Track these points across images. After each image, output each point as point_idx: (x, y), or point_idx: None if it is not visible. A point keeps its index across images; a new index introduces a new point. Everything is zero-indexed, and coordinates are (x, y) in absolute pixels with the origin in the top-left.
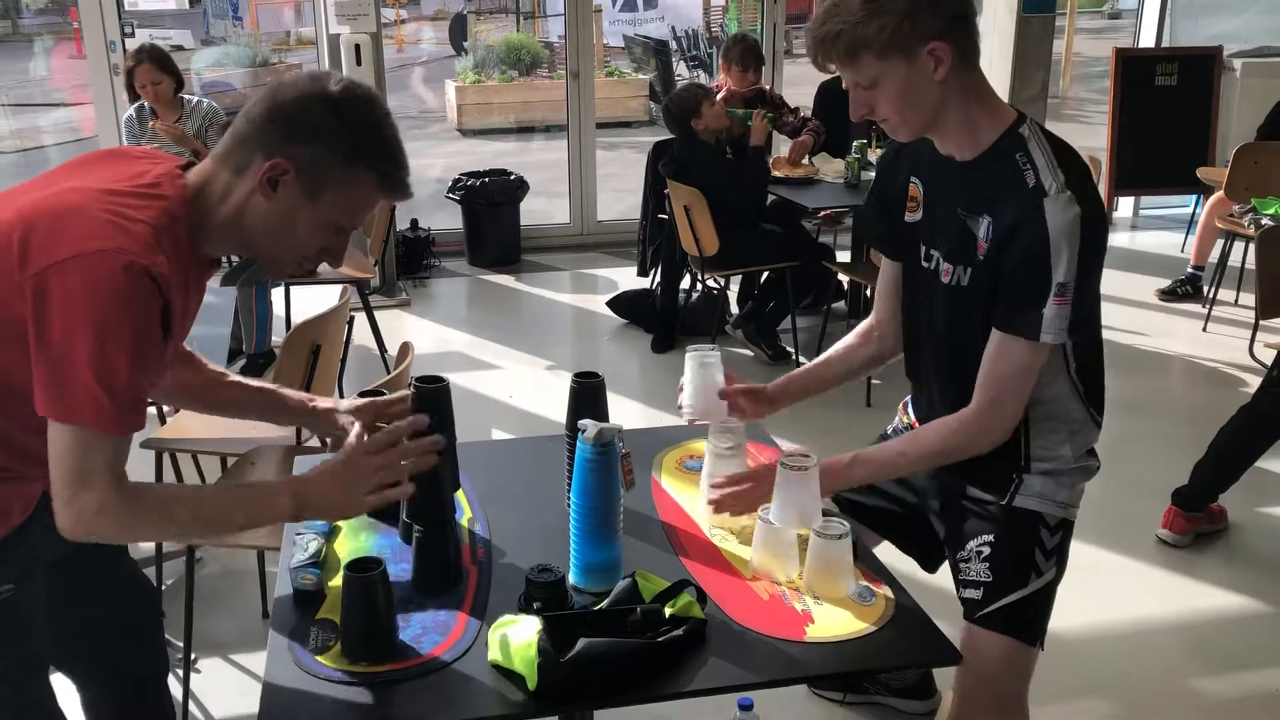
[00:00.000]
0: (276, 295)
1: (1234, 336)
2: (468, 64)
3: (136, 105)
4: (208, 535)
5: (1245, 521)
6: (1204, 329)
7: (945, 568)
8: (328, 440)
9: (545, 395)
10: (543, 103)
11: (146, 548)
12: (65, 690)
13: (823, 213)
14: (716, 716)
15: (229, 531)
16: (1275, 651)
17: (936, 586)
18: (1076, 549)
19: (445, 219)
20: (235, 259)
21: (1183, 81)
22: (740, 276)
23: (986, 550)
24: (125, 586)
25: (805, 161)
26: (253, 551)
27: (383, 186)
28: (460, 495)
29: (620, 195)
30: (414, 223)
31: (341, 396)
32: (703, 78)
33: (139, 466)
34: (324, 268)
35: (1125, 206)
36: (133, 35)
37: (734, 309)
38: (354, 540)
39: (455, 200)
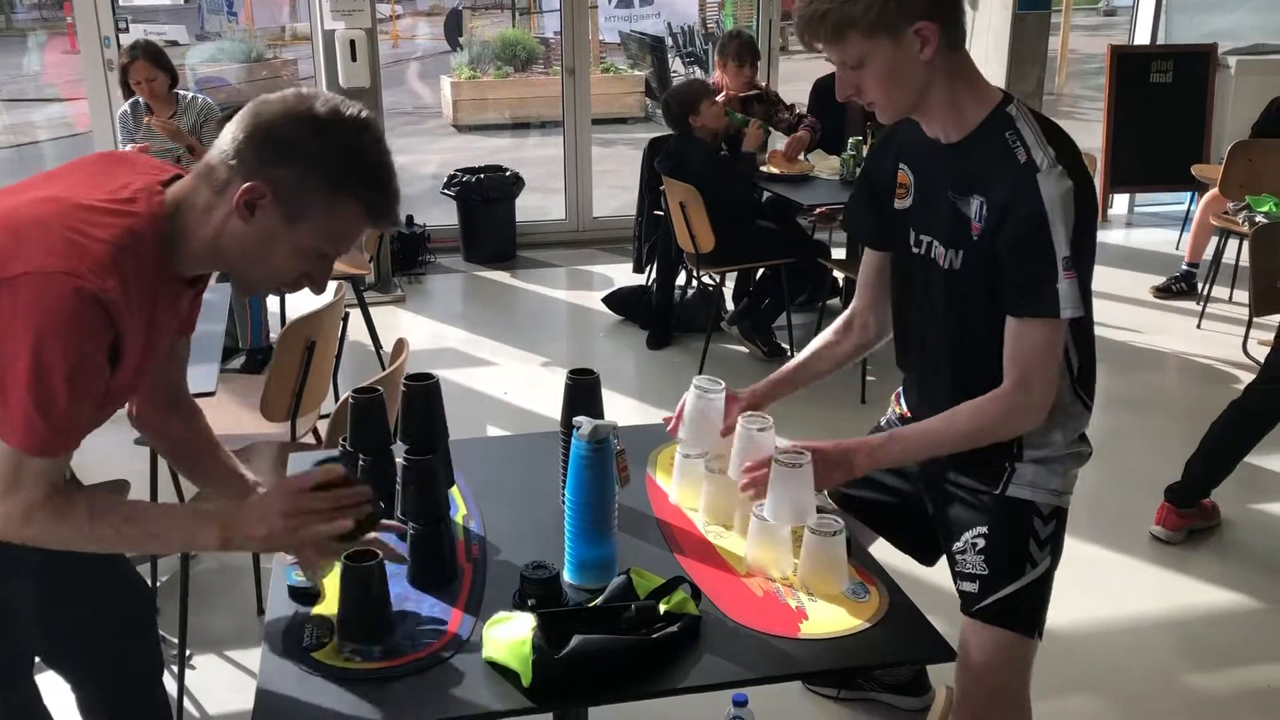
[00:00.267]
0: None
1: (1228, 333)
2: (463, 60)
3: (131, 101)
4: (137, 551)
5: (1238, 518)
6: (1198, 326)
7: (941, 563)
8: (322, 438)
9: (540, 392)
10: (538, 99)
11: None
12: (61, 690)
13: (818, 209)
14: (711, 713)
15: (159, 551)
16: (1267, 647)
17: (930, 583)
18: (1071, 545)
19: (440, 215)
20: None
21: (1178, 79)
22: (735, 273)
23: (981, 542)
24: (118, 584)
25: (801, 158)
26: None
27: (368, 215)
28: (455, 492)
29: (616, 192)
30: (409, 219)
31: (337, 394)
32: (698, 74)
33: (134, 463)
34: None
35: (1120, 203)
36: (127, 30)
37: (729, 305)
38: None
39: (450, 196)
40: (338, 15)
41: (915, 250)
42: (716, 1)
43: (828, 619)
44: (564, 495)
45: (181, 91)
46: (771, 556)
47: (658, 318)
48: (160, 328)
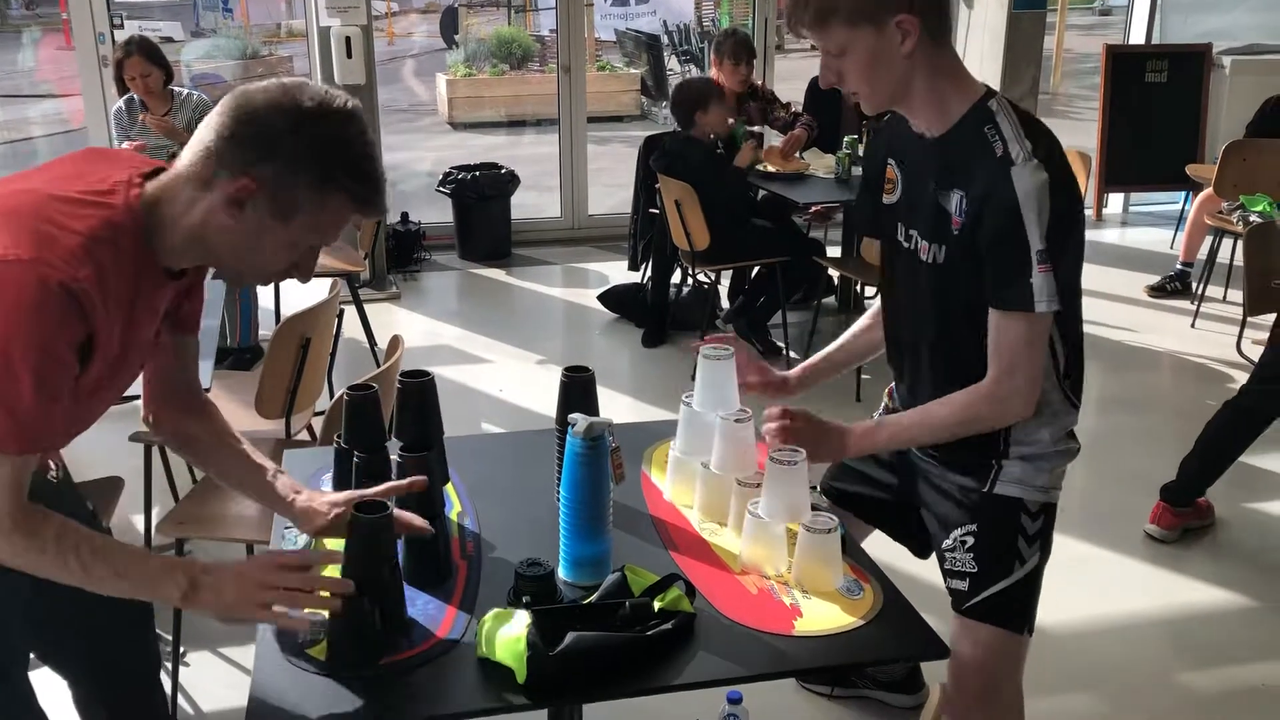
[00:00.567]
0: (265, 289)
1: (1222, 333)
2: (459, 57)
3: (126, 98)
4: (97, 589)
5: (1232, 517)
6: (1192, 325)
7: (934, 560)
8: (317, 435)
9: (535, 389)
10: (534, 96)
11: (135, 540)
12: (58, 687)
13: (813, 208)
14: (705, 710)
15: (121, 594)
16: (1260, 646)
17: (924, 580)
18: (1065, 543)
19: (436, 212)
20: None
21: (1173, 78)
22: (731, 271)
23: (970, 540)
24: None
25: (797, 156)
26: (242, 545)
27: (355, 205)
28: (450, 489)
29: (611, 190)
30: (404, 216)
31: (331, 391)
32: (694, 72)
33: (128, 460)
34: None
35: (1115, 203)
36: (122, 27)
37: (724, 304)
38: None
39: (446, 194)
40: (333, 12)
41: (905, 244)
42: (712, 0)
43: (822, 616)
44: (559, 492)
45: (177, 88)
46: (766, 554)
47: (653, 316)
48: (139, 323)
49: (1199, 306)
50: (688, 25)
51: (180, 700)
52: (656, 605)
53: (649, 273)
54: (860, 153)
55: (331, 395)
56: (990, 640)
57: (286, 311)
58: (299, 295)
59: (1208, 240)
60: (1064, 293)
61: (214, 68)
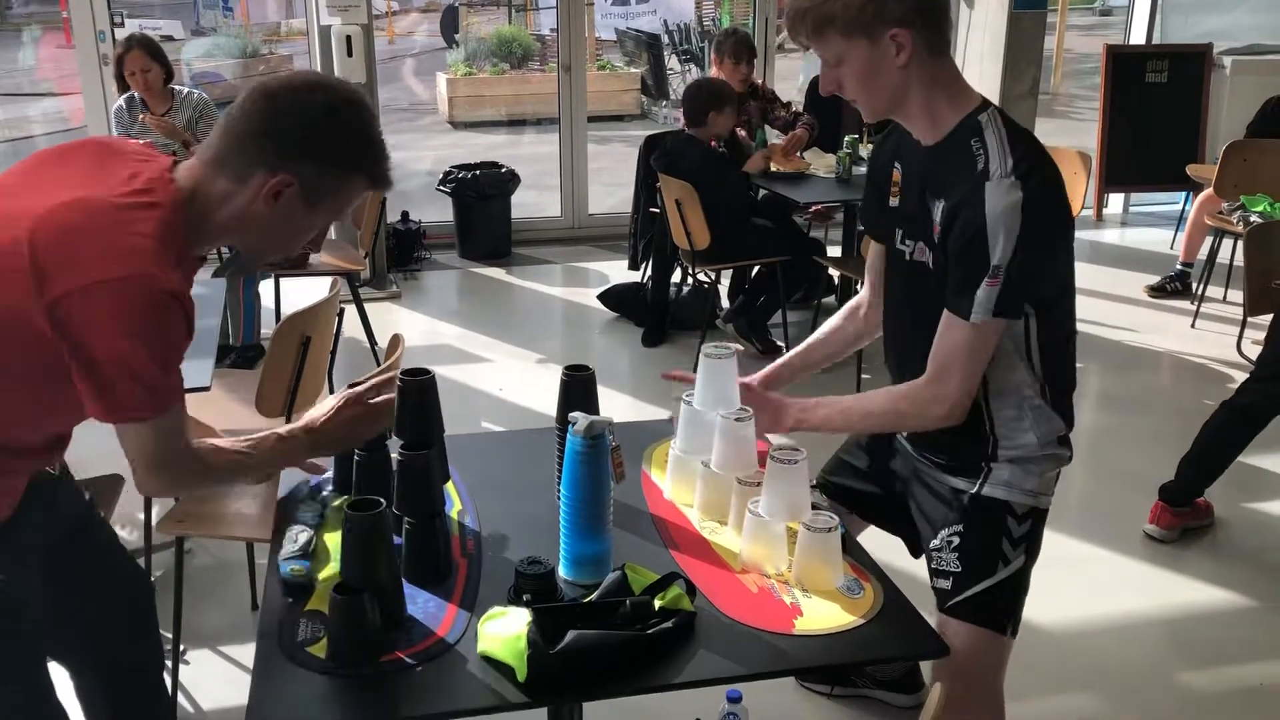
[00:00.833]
0: (266, 287)
1: (1222, 333)
2: (459, 56)
3: (126, 96)
4: (259, 479)
5: (1231, 517)
6: (1192, 325)
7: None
8: None
9: (535, 388)
10: (534, 96)
11: (134, 537)
12: (59, 681)
13: (814, 208)
14: (705, 709)
15: (271, 471)
16: (1259, 646)
17: (924, 580)
18: (1064, 543)
19: (436, 211)
20: (226, 251)
21: (1173, 79)
22: (731, 271)
23: (956, 540)
24: (120, 574)
25: (797, 155)
26: (241, 543)
27: (371, 185)
28: (450, 487)
29: (611, 189)
30: (405, 215)
31: (331, 388)
32: (695, 72)
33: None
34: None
35: (1115, 203)
36: (122, 25)
37: (725, 303)
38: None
39: (446, 193)
40: (334, 11)
41: (901, 247)
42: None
43: (823, 615)
44: (559, 491)
45: (177, 87)
46: (766, 552)
47: (653, 315)
48: (193, 311)
49: (1199, 307)
50: (688, 25)
51: (180, 698)
52: (657, 604)
53: (649, 272)
54: (861, 153)
55: (331, 393)
56: (972, 639)
57: (287, 311)
58: (299, 294)
59: (1208, 240)
60: (1001, 308)
61: (214, 66)
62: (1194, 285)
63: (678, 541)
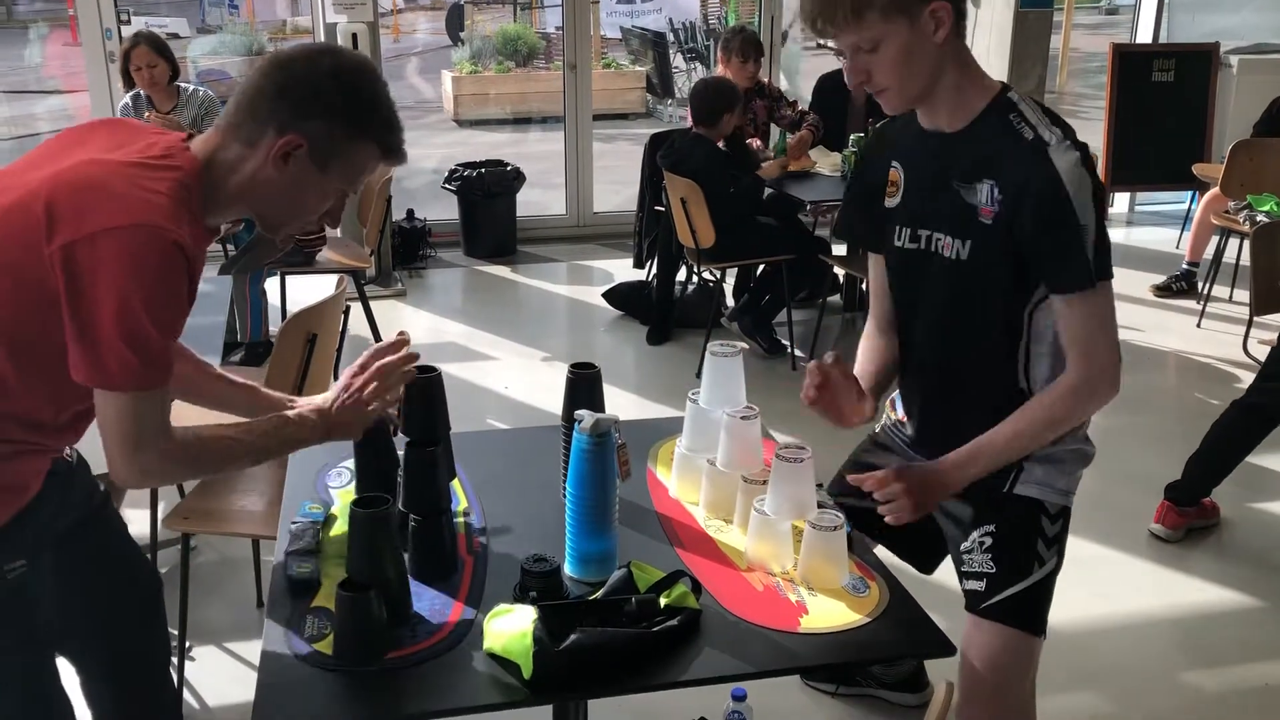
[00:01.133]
0: (272, 285)
1: (1228, 332)
2: (464, 54)
3: (132, 93)
4: (255, 465)
5: (1237, 517)
6: (1198, 325)
7: (941, 564)
8: None
9: (540, 386)
10: (539, 94)
11: (140, 532)
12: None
13: (819, 205)
14: (710, 707)
15: (272, 457)
16: (1265, 646)
17: (929, 579)
18: (1070, 542)
19: (441, 209)
20: (231, 248)
21: (1179, 78)
22: (736, 269)
23: (989, 541)
24: (128, 565)
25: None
26: (247, 540)
27: (384, 154)
28: (456, 485)
29: (617, 187)
30: (410, 213)
31: None
32: (700, 70)
33: None
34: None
35: (1121, 202)
36: (128, 23)
37: (730, 302)
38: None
39: (451, 191)
40: (339, 9)
41: (911, 246)
42: None
43: (828, 613)
44: (565, 489)
45: (183, 84)
46: (772, 551)
47: (658, 313)
48: (198, 278)
49: (1205, 306)
50: (693, 23)
51: (186, 694)
52: (662, 602)
53: (654, 270)
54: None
55: None
56: (1006, 641)
57: (292, 308)
58: (305, 292)
59: (1214, 240)
60: (1110, 266)
61: (220, 64)
62: (1200, 285)
63: (683, 539)
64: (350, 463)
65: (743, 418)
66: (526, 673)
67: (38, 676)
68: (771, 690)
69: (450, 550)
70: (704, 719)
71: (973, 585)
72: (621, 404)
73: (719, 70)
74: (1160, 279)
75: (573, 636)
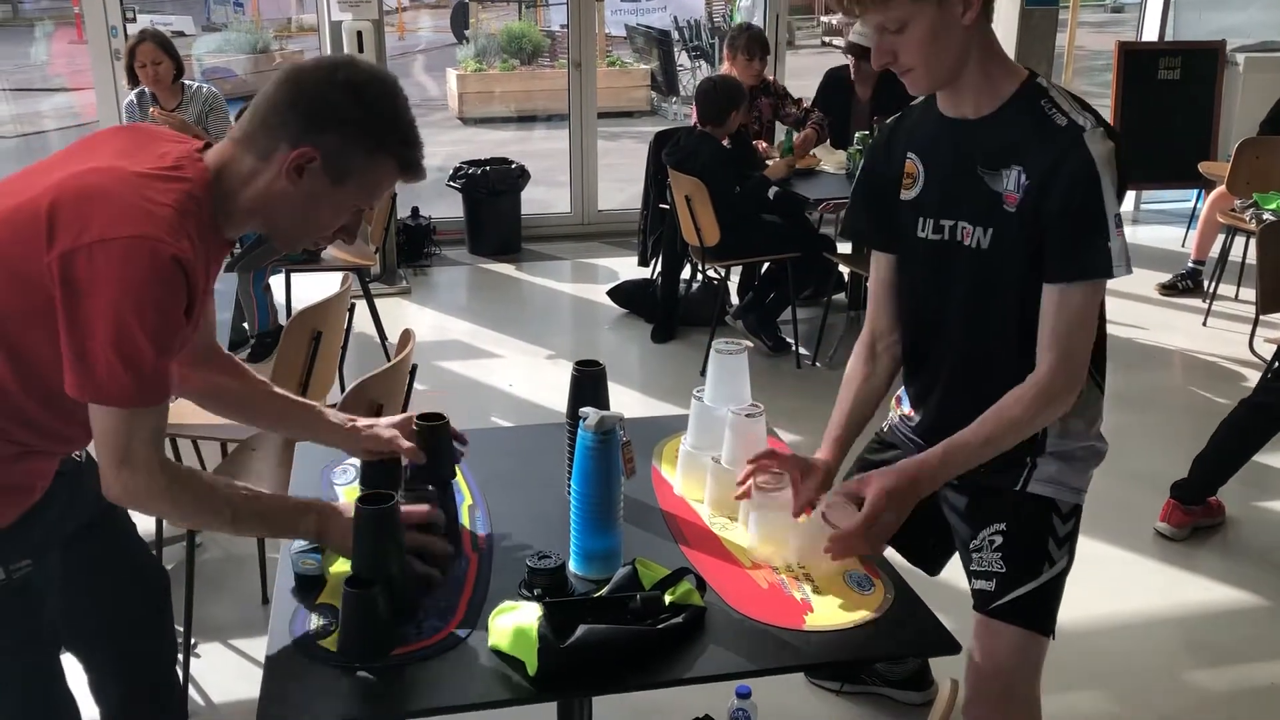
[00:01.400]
0: (277, 282)
1: (1234, 331)
2: (469, 52)
3: (137, 91)
4: (237, 533)
5: (1242, 516)
6: (1204, 324)
7: (949, 563)
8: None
9: (545, 384)
10: (544, 92)
11: (146, 529)
12: (72, 675)
13: (824, 204)
14: (714, 704)
15: (255, 534)
16: (1270, 645)
17: (935, 578)
18: None
19: (446, 207)
20: (236, 247)
21: (1185, 75)
22: (741, 267)
23: (999, 540)
24: (136, 563)
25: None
26: (253, 537)
27: (402, 169)
28: (461, 482)
29: (621, 185)
30: (415, 211)
31: (342, 385)
32: (705, 69)
33: None
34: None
35: (1127, 200)
36: (134, 20)
37: (734, 300)
38: None
39: (456, 189)
40: (345, 7)
41: (935, 237)
42: None
43: (832, 611)
44: (569, 486)
45: (187, 81)
46: (777, 549)
47: (663, 311)
48: (208, 291)
49: (1211, 305)
50: (698, 20)
51: (191, 691)
52: (667, 599)
53: (659, 268)
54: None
55: (343, 389)
56: (1014, 641)
57: (297, 306)
58: (310, 290)
59: (1220, 238)
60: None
61: (225, 62)
62: (1206, 283)
63: (688, 537)
64: (355, 460)
65: (747, 415)
66: (531, 669)
67: (42, 677)
68: (776, 688)
69: (453, 524)
70: (709, 716)
71: (982, 585)
72: (626, 401)
73: (724, 68)
74: (1166, 277)
75: (577, 633)
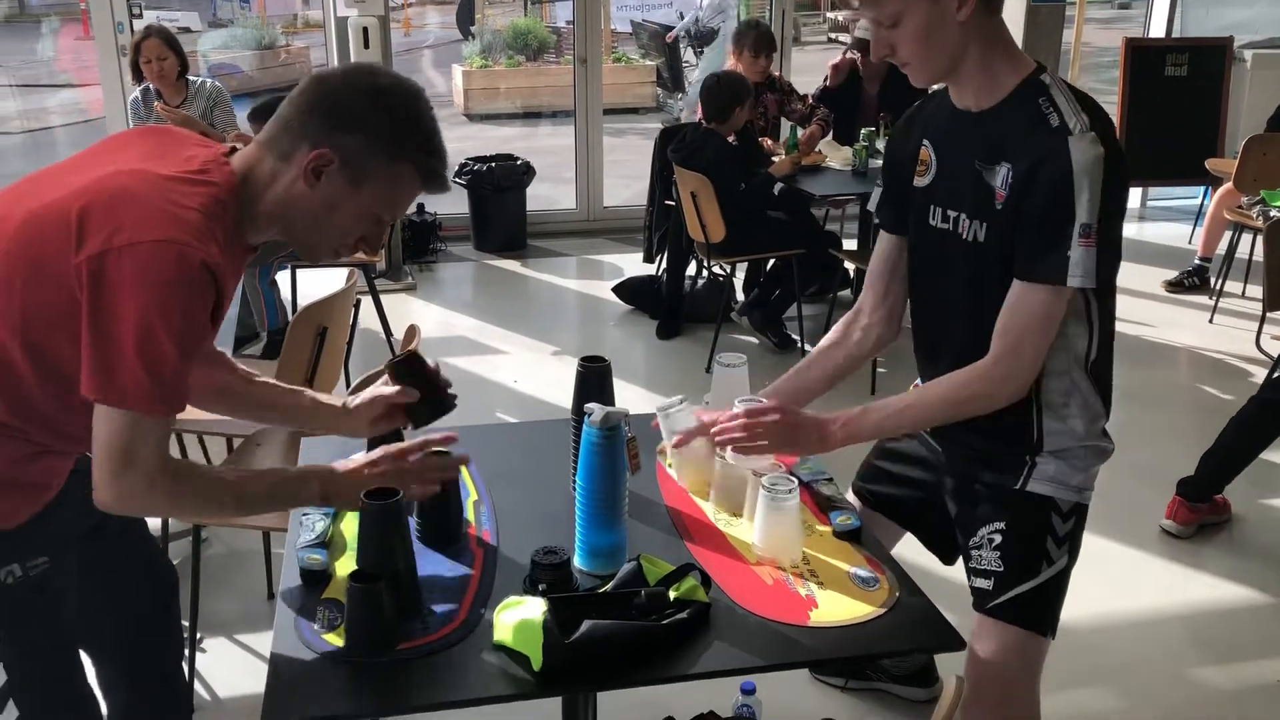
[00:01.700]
0: (283, 278)
1: (1240, 328)
2: (475, 48)
3: (142, 87)
4: (243, 515)
5: (1248, 513)
6: (1210, 321)
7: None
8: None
9: (550, 380)
10: (550, 88)
11: (153, 525)
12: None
13: (830, 200)
14: (719, 700)
15: (261, 512)
16: (1276, 643)
17: (939, 573)
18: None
19: (451, 203)
20: None
21: (1193, 72)
22: (746, 263)
23: (998, 538)
24: (146, 559)
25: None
26: (258, 532)
27: (423, 180)
28: (466, 476)
29: (627, 181)
30: (420, 207)
31: (348, 380)
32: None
33: None
34: None
35: (1133, 197)
36: (140, 16)
37: (740, 296)
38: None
39: (462, 185)
40: (351, 3)
41: (941, 225)
42: None
43: (837, 607)
44: (575, 482)
45: (192, 77)
46: (782, 544)
47: (668, 307)
48: (231, 294)
49: (1217, 302)
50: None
51: (197, 686)
52: (672, 594)
53: (664, 265)
54: (877, 145)
55: (348, 385)
56: (1012, 641)
57: (303, 302)
58: (315, 285)
59: (1227, 235)
60: (1103, 272)
61: (231, 58)
62: (1212, 280)
63: (693, 533)
64: (361, 455)
65: (729, 365)
66: (536, 664)
67: (65, 676)
68: (780, 684)
69: (457, 516)
70: (713, 712)
71: (980, 583)
72: (631, 398)
73: (729, 64)
74: (1172, 274)
75: (582, 629)
